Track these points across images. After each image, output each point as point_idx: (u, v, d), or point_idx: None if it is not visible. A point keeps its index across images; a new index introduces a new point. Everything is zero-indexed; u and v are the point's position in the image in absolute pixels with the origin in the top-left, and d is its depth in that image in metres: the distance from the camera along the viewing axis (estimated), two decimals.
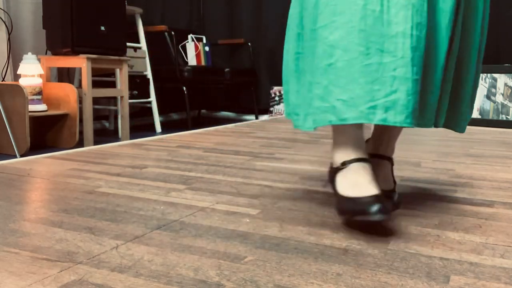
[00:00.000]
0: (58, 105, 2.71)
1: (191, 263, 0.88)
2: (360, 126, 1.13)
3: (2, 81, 2.77)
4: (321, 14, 1.04)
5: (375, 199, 1.00)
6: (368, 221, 1.00)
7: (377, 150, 1.27)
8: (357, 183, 1.05)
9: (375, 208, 0.98)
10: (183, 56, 4.12)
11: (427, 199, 1.36)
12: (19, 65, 2.65)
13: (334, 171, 1.13)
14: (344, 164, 1.10)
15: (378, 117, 0.96)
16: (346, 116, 0.99)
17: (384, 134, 1.28)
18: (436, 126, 1.15)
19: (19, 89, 2.43)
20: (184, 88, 3.65)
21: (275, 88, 4.38)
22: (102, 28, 2.82)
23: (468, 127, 3.38)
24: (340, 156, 1.12)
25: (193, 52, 4.10)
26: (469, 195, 1.41)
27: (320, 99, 1.03)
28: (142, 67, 3.48)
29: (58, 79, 3.20)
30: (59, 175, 1.60)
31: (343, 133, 1.12)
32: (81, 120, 2.84)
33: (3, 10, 2.78)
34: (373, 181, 1.06)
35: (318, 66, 1.04)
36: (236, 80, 4.07)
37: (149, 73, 3.54)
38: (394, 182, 1.27)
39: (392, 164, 1.28)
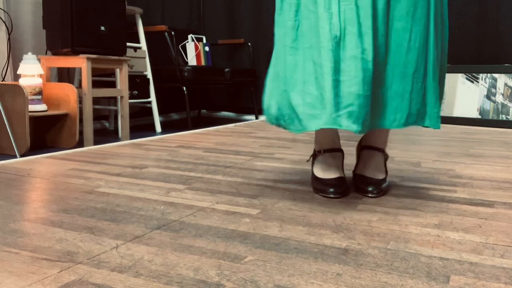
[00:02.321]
0: (58, 105, 2.71)
1: (191, 263, 0.88)
2: None
3: (2, 81, 2.77)
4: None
5: (334, 181, 1.37)
6: (326, 197, 1.36)
7: (369, 142, 1.47)
8: (325, 168, 1.41)
9: (331, 189, 1.35)
10: (183, 56, 4.12)
11: (427, 199, 1.36)
12: (19, 65, 2.65)
13: (314, 154, 1.48)
14: (320, 151, 1.45)
15: (342, 124, 1.16)
16: (322, 122, 1.20)
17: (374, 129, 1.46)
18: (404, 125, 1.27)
19: (19, 89, 2.43)
20: (184, 88, 3.65)
21: None
22: (102, 28, 2.82)
23: (468, 127, 3.38)
24: (319, 144, 1.46)
25: (193, 52, 4.10)
26: (469, 195, 1.41)
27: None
28: (142, 67, 3.48)
29: (58, 79, 3.19)
30: (59, 175, 1.60)
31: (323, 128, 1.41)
32: (81, 120, 2.84)
33: (3, 10, 2.78)
34: (338, 168, 1.41)
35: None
36: (236, 80, 4.07)
37: (149, 73, 3.54)
38: (386, 172, 1.46)
39: (385, 156, 1.47)
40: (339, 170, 1.42)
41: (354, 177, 1.47)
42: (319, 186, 1.39)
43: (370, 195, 1.37)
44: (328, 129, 1.42)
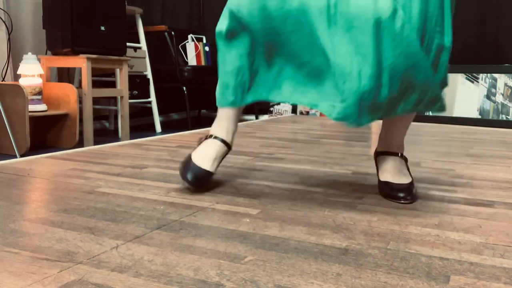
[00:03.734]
0: (58, 105, 2.71)
1: (191, 263, 0.88)
2: (234, 113, 1.43)
3: (2, 81, 2.77)
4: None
5: (198, 171, 1.36)
6: (182, 182, 1.38)
7: (383, 147, 1.43)
8: (203, 154, 1.39)
9: (190, 177, 1.35)
10: (183, 56, 4.12)
11: (427, 199, 1.36)
12: (19, 65, 2.65)
13: (205, 136, 1.44)
14: (210, 136, 1.42)
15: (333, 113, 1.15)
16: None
17: (386, 133, 1.43)
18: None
19: (19, 89, 2.43)
20: (184, 88, 3.65)
21: None
22: (102, 28, 2.82)
23: (468, 127, 3.38)
24: (212, 129, 1.43)
25: (193, 52, 4.10)
26: (469, 195, 1.41)
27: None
28: (142, 67, 3.48)
29: (58, 79, 3.19)
30: (59, 175, 1.60)
31: (225, 117, 1.42)
32: (81, 120, 2.84)
33: (3, 10, 2.78)
34: (213, 159, 1.39)
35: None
36: None
37: (149, 73, 3.54)
38: (410, 176, 1.39)
39: (405, 159, 1.41)
40: (212, 163, 1.38)
41: (380, 184, 1.40)
42: (185, 171, 1.37)
43: (402, 201, 1.31)
44: (229, 117, 1.42)
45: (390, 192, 1.34)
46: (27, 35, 3.00)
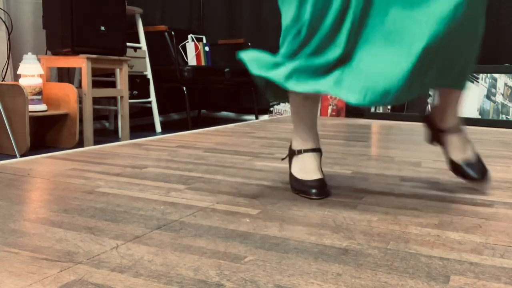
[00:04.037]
0: (58, 105, 2.71)
1: (191, 263, 0.88)
2: (314, 118, 1.41)
3: (2, 81, 2.77)
4: None
5: (315, 183, 1.35)
6: (308, 198, 1.34)
7: (452, 122, 1.42)
8: (305, 169, 1.39)
9: (313, 190, 1.34)
10: (183, 56, 4.12)
11: (427, 199, 1.36)
12: (19, 65, 2.65)
13: (291, 153, 1.45)
14: (300, 152, 1.41)
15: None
16: None
17: (451, 103, 1.40)
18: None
19: (19, 89, 2.43)
20: (184, 88, 3.65)
21: None
22: (102, 28, 2.82)
23: (468, 127, 3.38)
24: (297, 143, 1.42)
25: (193, 52, 4.10)
26: (469, 195, 1.41)
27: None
28: (142, 67, 3.48)
29: (58, 79, 3.19)
30: (59, 175, 1.60)
31: (302, 123, 1.40)
32: (81, 120, 2.84)
33: (3, 10, 2.78)
34: (317, 169, 1.39)
35: None
36: (236, 80, 4.07)
37: (149, 73, 3.54)
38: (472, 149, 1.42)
39: (462, 132, 1.42)
40: (319, 171, 1.39)
41: (453, 165, 1.44)
42: (300, 187, 1.37)
43: (478, 180, 1.39)
44: (310, 122, 1.40)
45: (471, 173, 1.39)
46: (27, 35, 3.00)
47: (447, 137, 1.43)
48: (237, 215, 1.18)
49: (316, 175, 1.37)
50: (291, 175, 1.42)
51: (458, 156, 1.41)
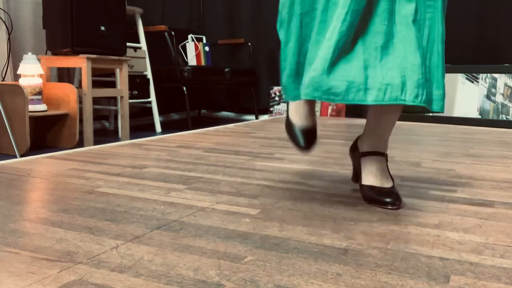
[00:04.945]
0: (58, 105, 2.71)
1: (191, 263, 0.88)
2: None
3: (2, 81, 2.77)
4: None
5: (303, 131, 1.35)
6: (296, 147, 1.37)
7: (371, 146, 1.34)
8: (298, 111, 1.37)
9: (302, 143, 1.34)
10: (183, 56, 4.12)
11: (427, 199, 1.36)
12: (19, 65, 2.65)
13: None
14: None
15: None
16: None
17: (376, 128, 1.32)
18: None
19: (19, 89, 2.43)
20: (184, 88, 3.65)
21: (275, 88, 4.38)
22: (102, 28, 2.82)
23: (468, 127, 3.38)
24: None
25: (193, 52, 4.10)
26: (469, 195, 1.41)
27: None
28: (142, 67, 3.48)
29: (58, 79, 3.19)
30: (59, 175, 1.60)
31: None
32: (81, 120, 2.84)
33: (3, 10, 2.78)
34: (309, 114, 1.36)
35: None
36: (236, 80, 4.07)
37: (149, 73, 3.54)
38: (392, 178, 1.33)
39: (387, 161, 1.35)
40: (311, 118, 1.37)
41: (363, 189, 1.32)
42: (291, 133, 1.37)
43: (390, 207, 1.25)
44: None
45: (377, 197, 1.28)
46: (27, 35, 3.00)
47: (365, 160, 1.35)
48: (237, 215, 1.18)
49: (307, 121, 1.36)
50: (287, 118, 1.42)
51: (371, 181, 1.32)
